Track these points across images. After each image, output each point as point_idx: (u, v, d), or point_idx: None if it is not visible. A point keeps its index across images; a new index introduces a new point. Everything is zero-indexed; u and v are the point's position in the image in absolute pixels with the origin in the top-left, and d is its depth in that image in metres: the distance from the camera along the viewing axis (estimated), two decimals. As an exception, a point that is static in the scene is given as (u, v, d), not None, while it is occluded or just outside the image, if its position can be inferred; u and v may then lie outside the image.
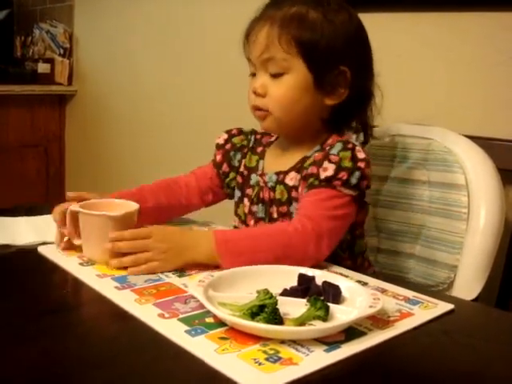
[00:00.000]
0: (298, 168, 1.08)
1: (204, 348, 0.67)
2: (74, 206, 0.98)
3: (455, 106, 1.58)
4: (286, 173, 1.09)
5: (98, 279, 0.88)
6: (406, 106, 1.67)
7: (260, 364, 0.64)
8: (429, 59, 1.64)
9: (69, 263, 0.95)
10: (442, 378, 0.67)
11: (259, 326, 0.70)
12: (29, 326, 0.73)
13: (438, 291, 1.19)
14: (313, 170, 1.03)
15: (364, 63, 1.11)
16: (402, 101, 1.68)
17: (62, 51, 3.19)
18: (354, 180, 1.01)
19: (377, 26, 1.73)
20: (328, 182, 1.00)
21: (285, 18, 1.04)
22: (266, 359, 0.65)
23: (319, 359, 0.66)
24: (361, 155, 1.03)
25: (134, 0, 2.76)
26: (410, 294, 0.88)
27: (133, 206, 1.01)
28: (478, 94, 1.54)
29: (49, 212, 1.21)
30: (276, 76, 1.05)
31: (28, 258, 1.00)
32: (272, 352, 0.67)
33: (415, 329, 0.76)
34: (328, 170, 1.00)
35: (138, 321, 0.75)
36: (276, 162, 1.13)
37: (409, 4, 1.66)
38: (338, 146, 1.03)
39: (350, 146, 1.04)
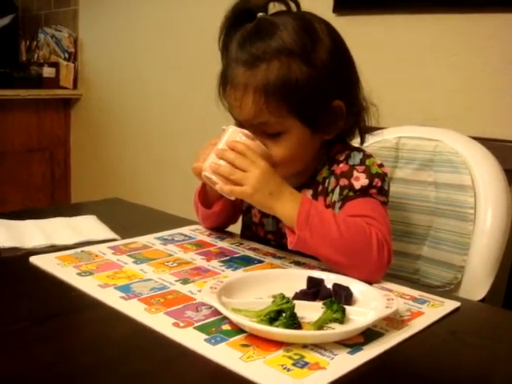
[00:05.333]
0: (309, 183, 1.08)
1: (229, 356, 0.66)
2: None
3: (462, 107, 1.58)
4: (297, 189, 1.03)
5: (100, 289, 0.85)
6: (413, 107, 1.68)
7: (289, 370, 0.64)
8: (436, 61, 1.64)
9: (66, 273, 0.91)
10: (454, 379, 0.67)
11: (283, 332, 0.70)
12: (35, 330, 0.73)
13: (444, 292, 1.19)
14: (344, 182, 1.01)
15: (352, 82, 1.05)
16: (410, 103, 1.69)
17: (66, 55, 3.21)
18: (386, 186, 1.02)
19: (384, 28, 1.75)
20: (364, 191, 1.00)
21: (268, 83, 0.95)
22: (294, 364, 0.65)
23: (345, 362, 0.66)
24: (379, 160, 1.04)
25: (138, 4, 2.77)
26: (415, 293, 0.89)
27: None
28: (485, 95, 1.54)
29: (54, 215, 1.23)
30: (273, 135, 1.00)
31: (25, 267, 0.97)
32: (297, 357, 0.67)
33: (423, 330, 0.76)
34: (360, 179, 1.00)
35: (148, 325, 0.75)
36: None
37: (416, 6, 1.67)
38: (357, 155, 1.04)
39: (367, 152, 1.05)
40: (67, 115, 3.30)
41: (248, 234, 1.19)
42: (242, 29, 1.00)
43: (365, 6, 1.81)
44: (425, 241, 1.26)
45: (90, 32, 3.14)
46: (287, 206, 0.94)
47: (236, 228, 1.22)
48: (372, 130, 1.14)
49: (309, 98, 0.98)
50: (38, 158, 3.22)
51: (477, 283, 1.17)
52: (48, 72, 3.20)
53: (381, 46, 1.77)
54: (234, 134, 0.99)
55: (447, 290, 1.20)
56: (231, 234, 1.17)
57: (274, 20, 0.99)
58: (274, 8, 1.04)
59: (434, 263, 1.24)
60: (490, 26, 1.51)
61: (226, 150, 0.97)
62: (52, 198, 3.28)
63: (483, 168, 1.22)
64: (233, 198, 0.99)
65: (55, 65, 3.22)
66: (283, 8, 1.04)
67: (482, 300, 1.15)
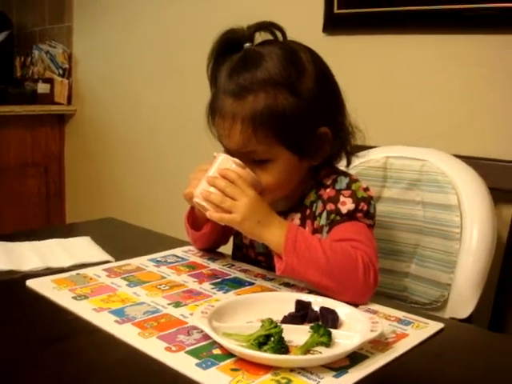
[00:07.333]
0: (297, 207, 1.10)
1: (219, 381, 0.68)
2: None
3: (447, 127, 1.61)
4: (285, 213, 1.09)
5: (95, 313, 0.87)
6: (399, 127, 1.70)
7: None
8: (422, 81, 1.67)
9: (61, 297, 0.93)
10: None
11: (271, 357, 0.72)
12: (32, 355, 0.75)
13: (432, 309, 1.22)
14: (331, 206, 1.04)
15: (338, 108, 1.07)
16: (396, 122, 1.72)
17: (61, 71, 3.23)
18: (372, 209, 1.04)
19: (374, 47, 1.78)
20: (350, 215, 1.02)
21: (255, 113, 0.98)
22: None
23: None
24: (364, 184, 1.06)
25: (132, 21, 2.80)
26: (400, 314, 0.91)
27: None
28: (469, 114, 1.57)
29: (49, 237, 1.25)
30: (261, 162, 1.02)
31: (22, 291, 0.99)
32: (284, 381, 0.69)
33: (408, 352, 0.78)
34: (346, 203, 1.02)
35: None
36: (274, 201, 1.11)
37: (405, 27, 1.70)
38: (343, 179, 1.06)
39: (353, 177, 1.07)
40: (61, 131, 3.32)
41: (239, 254, 1.21)
42: (230, 59, 1.02)
43: (354, 26, 1.84)
44: (413, 259, 1.29)
45: (84, 48, 3.16)
46: (275, 233, 0.97)
47: (227, 249, 1.24)
48: (359, 150, 1.16)
49: (296, 127, 1.00)
50: (33, 173, 3.23)
51: (463, 301, 1.19)
52: (42, 88, 3.21)
53: (370, 65, 1.80)
54: (225, 162, 1.01)
55: (435, 308, 1.23)
56: (223, 255, 1.20)
57: (260, 51, 1.01)
58: (260, 37, 1.06)
59: (422, 281, 1.26)
60: (481, 46, 1.54)
61: (217, 178, 0.99)
62: (47, 213, 3.30)
63: (469, 187, 1.25)
64: (223, 224, 1.01)
65: (50, 81, 3.24)
66: (269, 36, 1.06)
67: (469, 317, 1.17)
